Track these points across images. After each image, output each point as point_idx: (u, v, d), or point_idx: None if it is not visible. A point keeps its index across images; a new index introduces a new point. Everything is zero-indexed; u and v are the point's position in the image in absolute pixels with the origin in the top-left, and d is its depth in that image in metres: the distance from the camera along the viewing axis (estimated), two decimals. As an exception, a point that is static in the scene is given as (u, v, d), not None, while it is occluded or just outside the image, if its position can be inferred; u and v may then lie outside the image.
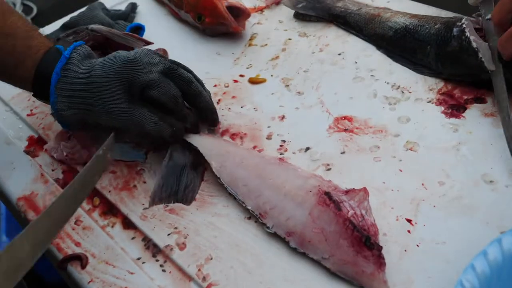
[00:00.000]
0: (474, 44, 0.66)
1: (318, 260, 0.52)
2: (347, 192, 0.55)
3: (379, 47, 0.79)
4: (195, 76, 0.66)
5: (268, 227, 0.56)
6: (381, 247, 0.50)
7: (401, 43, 0.75)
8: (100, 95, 0.60)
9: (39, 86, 0.62)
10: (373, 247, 0.50)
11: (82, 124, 0.64)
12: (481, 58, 0.65)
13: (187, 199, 0.61)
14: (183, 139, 0.65)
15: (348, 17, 0.83)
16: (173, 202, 0.61)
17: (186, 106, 0.66)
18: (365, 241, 0.50)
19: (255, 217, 0.57)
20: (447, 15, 0.81)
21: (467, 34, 0.67)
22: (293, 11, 0.89)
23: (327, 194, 0.54)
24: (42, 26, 0.95)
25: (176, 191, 0.62)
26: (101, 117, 0.61)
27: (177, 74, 0.63)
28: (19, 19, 0.63)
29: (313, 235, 0.53)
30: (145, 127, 0.61)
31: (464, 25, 0.68)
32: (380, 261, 0.50)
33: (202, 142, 0.64)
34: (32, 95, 0.64)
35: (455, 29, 0.69)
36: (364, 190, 0.55)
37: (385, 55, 0.77)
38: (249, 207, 0.58)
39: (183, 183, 0.62)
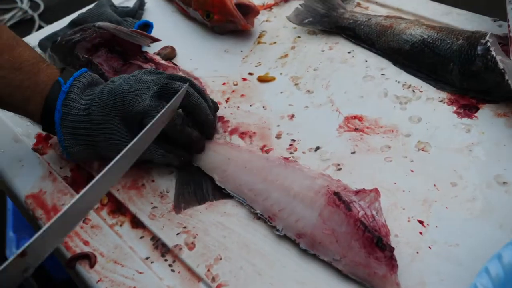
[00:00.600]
0: (500, 65, 0.63)
1: (329, 262, 0.52)
2: (357, 192, 0.55)
3: (395, 62, 0.75)
4: (195, 87, 0.64)
5: (277, 230, 0.55)
6: (393, 248, 0.50)
7: (419, 58, 0.72)
8: (102, 132, 0.60)
9: (48, 123, 0.62)
10: (385, 248, 0.49)
11: (93, 157, 0.64)
12: (507, 80, 0.62)
13: (216, 196, 0.61)
14: None
15: (358, 30, 0.79)
16: (201, 203, 0.61)
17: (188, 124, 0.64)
18: (376, 242, 0.50)
19: (264, 219, 0.57)
20: (458, 15, 0.80)
21: (493, 53, 0.64)
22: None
23: (336, 194, 0.54)
24: (50, 22, 0.95)
25: (201, 190, 0.62)
26: (108, 152, 0.61)
27: (172, 89, 0.61)
28: (25, 49, 0.63)
29: (323, 236, 0.52)
30: (153, 159, 0.62)
31: (489, 43, 0.65)
32: (392, 263, 0.49)
33: (201, 156, 0.64)
34: (42, 129, 0.64)
35: (479, 48, 0.65)
36: (376, 190, 0.54)
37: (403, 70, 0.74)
38: (257, 211, 0.57)
39: (205, 183, 0.62)
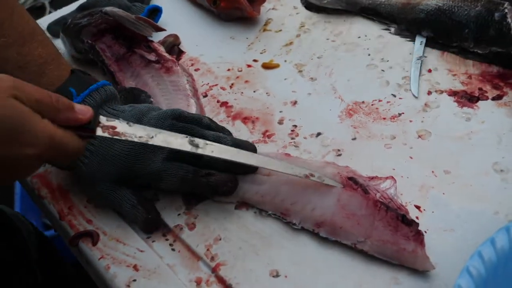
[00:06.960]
0: None
1: (352, 244, 0.52)
2: (371, 178, 0.56)
3: (411, 32, 0.78)
4: (209, 126, 0.60)
5: (294, 224, 0.55)
6: (418, 224, 0.51)
7: (434, 25, 0.74)
8: (92, 171, 0.57)
9: None
10: (412, 223, 0.50)
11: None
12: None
13: None
14: None
15: (379, 8, 0.81)
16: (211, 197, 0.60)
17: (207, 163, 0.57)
18: (402, 218, 0.51)
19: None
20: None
21: (509, 20, 0.67)
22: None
23: (351, 179, 0.55)
24: (60, 7, 0.96)
25: None
26: (85, 182, 0.60)
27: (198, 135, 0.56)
28: (38, 45, 0.59)
29: (344, 221, 0.52)
30: (121, 207, 0.58)
31: (506, 10, 0.68)
32: (420, 238, 0.50)
33: None
34: None
35: (497, 14, 0.68)
36: (391, 178, 0.55)
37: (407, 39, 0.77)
38: (269, 212, 0.57)
39: None
